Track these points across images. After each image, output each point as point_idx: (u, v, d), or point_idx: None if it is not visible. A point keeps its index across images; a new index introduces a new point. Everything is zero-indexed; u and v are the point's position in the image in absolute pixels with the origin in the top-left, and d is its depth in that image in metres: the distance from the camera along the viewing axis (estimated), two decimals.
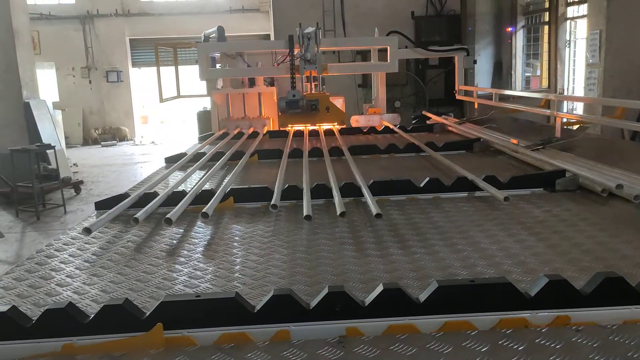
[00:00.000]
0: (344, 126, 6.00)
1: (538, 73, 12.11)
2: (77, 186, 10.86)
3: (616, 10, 8.54)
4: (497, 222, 2.46)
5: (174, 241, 2.38)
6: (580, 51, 10.80)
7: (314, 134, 5.55)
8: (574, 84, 11.27)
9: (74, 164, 13.56)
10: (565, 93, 10.97)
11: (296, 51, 5.77)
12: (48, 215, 9.29)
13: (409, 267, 1.94)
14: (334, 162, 3.79)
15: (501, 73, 12.23)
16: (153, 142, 18.34)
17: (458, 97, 6.84)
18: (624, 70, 8.58)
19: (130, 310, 1.44)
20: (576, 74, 11.13)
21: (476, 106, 6.34)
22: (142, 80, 20.20)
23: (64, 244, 2.35)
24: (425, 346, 1.37)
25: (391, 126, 5.85)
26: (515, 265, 1.91)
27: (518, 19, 11.98)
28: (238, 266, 2.04)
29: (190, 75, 12.00)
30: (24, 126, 10.61)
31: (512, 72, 12.06)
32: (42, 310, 1.46)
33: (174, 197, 2.84)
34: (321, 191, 2.92)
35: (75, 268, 2.07)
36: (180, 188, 3.12)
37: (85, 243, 2.37)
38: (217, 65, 7.09)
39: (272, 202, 2.68)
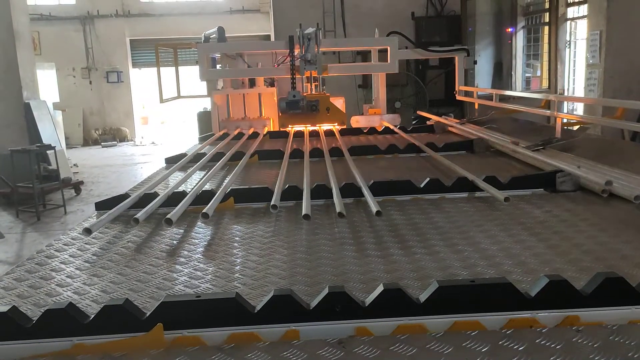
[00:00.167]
0: (344, 127, 6.00)
1: (538, 74, 12.11)
2: (77, 187, 10.86)
3: (616, 10, 8.55)
4: (498, 222, 2.46)
5: (174, 241, 2.38)
6: (581, 52, 10.80)
7: (314, 134, 5.55)
8: (574, 84, 11.28)
9: (74, 165, 13.56)
10: (566, 93, 10.97)
11: (296, 52, 5.77)
12: (48, 215, 9.29)
13: (410, 267, 1.94)
14: (334, 163, 3.79)
15: (501, 74, 12.23)
16: (153, 143, 18.34)
17: (458, 97, 6.84)
18: (624, 71, 8.58)
19: (130, 311, 1.44)
20: (576, 74, 11.14)
21: (476, 107, 6.34)
22: (142, 80, 20.21)
23: (64, 245, 2.35)
24: (426, 346, 1.37)
25: (391, 127, 5.85)
26: (516, 266, 1.91)
27: (518, 19, 11.98)
28: (238, 266, 2.04)
29: (191, 76, 12.04)
30: (24, 127, 10.62)
31: (513, 73, 12.06)
32: (43, 311, 1.45)
33: (174, 198, 2.84)
34: (321, 192, 2.92)
35: (75, 268, 2.07)
36: (181, 188, 3.12)
37: (85, 243, 2.37)
38: (218, 66, 7.09)
39: (272, 202, 2.68)
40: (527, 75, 12.26)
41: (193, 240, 2.38)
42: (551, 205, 2.72)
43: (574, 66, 11.17)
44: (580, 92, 10.76)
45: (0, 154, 9.68)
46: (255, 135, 5.74)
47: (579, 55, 10.96)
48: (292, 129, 5.86)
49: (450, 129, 5.63)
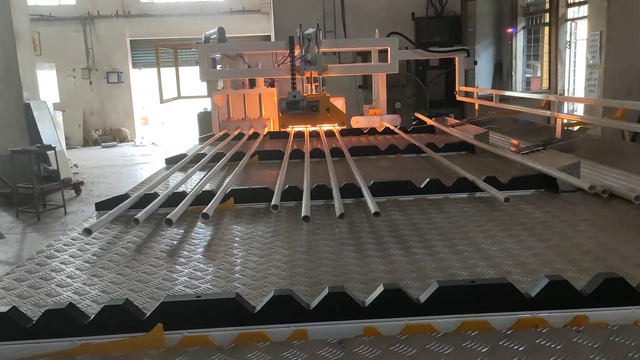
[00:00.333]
0: (345, 127, 6.00)
1: (538, 74, 12.11)
2: (77, 187, 10.86)
3: (616, 11, 8.55)
4: (498, 222, 2.46)
5: (175, 242, 2.38)
6: (581, 52, 10.81)
7: (314, 134, 5.55)
8: (574, 85, 11.28)
9: (75, 165, 13.57)
10: (566, 94, 10.97)
11: (297, 52, 5.77)
12: (48, 216, 9.29)
13: (410, 267, 1.94)
14: (334, 163, 3.79)
15: (501, 74, 12.23)
16: (153, 143, 18.35)
17: (458, 98, 6.83)
18: (624, 71, 8.59)
19: (130, 311, 1.44)
20: (576, 75, 11.14)
21: (477, 107, 6.34)
22: (142, 81, 20.22)
23: (65, 245, 2.35)
24: (426, 347, 1.37)
25: (392, 127, 5.85)
26: (516, 266, 1.91)
27: (518, 20, 11.98)
28: (238, 267, 2.03)
29: (191, 77, 12.02)
30: (25, 127, 10.61)
31: (513, 73, 12.06)
32: (43, 311, 1.45)
33: (175, 198, 2.84)
34: (321, 192, 2.92)
35: (75, 269, 2.07)
36: (181, 189, 3.12)
37: (85, 244, 2.37)
38: (218, 67, 7.09)
39: (273, 202, 2.68)
40: (527, 75, 12.26)
41: (193, 241, 2.38)
42: (551, 205, 2.72)
43: (574, 67, 11.17)
44: (580, 92, 10.76)
45: (1, 155, 9.68)
46: (255, 135, 5.74)
47: (579, 56, 10.96)
48: (293, 129, 5.86)
49: (446, 129, 5.61)
